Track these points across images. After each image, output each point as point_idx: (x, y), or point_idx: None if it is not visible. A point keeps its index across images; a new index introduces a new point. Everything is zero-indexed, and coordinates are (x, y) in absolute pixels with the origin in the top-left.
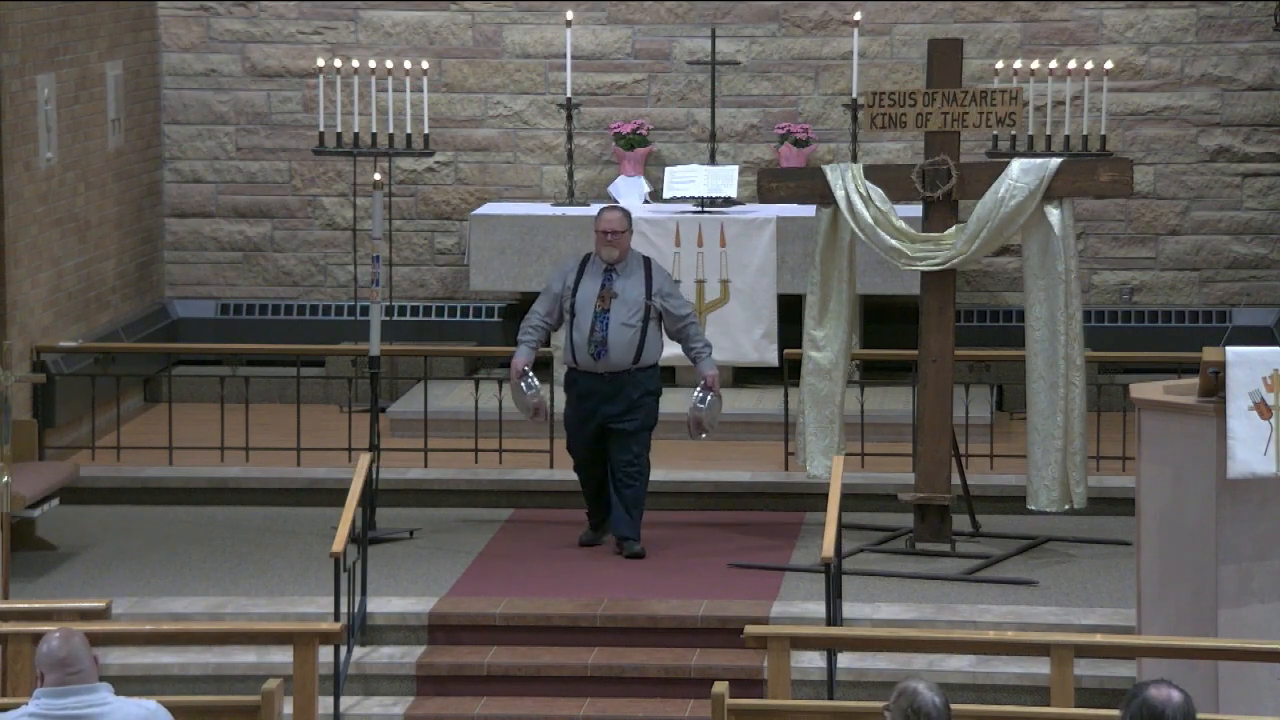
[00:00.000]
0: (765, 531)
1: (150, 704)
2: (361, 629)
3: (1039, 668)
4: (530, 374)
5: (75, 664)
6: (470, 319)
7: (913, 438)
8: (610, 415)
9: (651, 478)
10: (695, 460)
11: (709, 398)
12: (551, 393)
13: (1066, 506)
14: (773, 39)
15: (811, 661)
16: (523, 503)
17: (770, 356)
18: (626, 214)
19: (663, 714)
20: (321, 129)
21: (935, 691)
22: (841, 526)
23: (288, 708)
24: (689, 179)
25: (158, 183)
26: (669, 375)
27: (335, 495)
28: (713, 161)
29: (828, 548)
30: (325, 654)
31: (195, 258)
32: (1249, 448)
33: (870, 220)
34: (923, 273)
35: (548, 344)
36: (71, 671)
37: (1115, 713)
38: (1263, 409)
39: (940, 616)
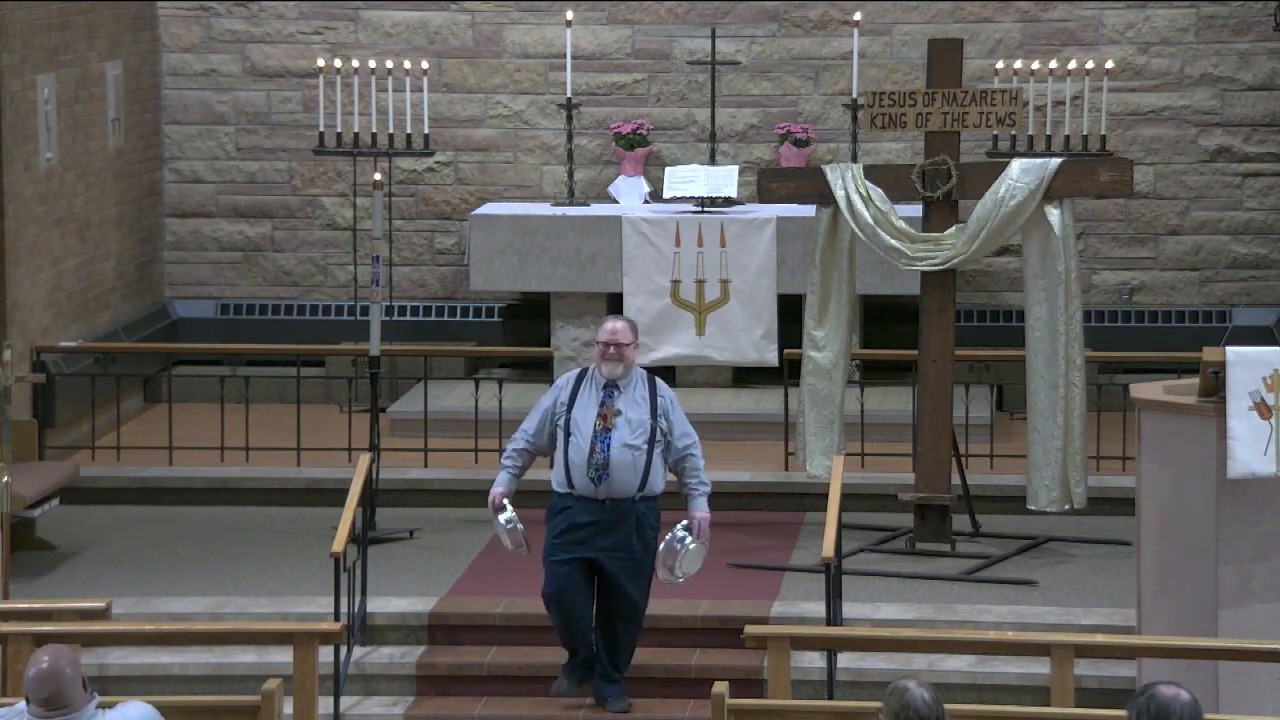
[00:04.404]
0: (765, 531)
1: (132, 709)
2: (361, 629)
3: (1039, 668)
4: (509, 506)
5: (56, 701)
6: (470, 319)
7: (913, 438)
8: (608, 549)
9: None
10: None
11: (691, 541)
12: None
13: (1066, 506)
14: (773, 39)
15: (811, 661)
16: (523, 503)
17: (770, 356)
18: (632, 324)
19: (663, 714)
20: (321, 129)
21: (926, 689)
22: (841, 526)
23: (288, 708)
24: (689, 179)
25: (158, 183)
26: (669, 374)
27: (335, 495)
28: (713, 161)
29: (828, 548)
30: (325, 654)
31: (195, 258)
32: (1249, 448)
33: (870, 220)
34: (923, 273)
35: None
36: (52, 708)
37: (1115, 713)
38: (1263, 409)
39: (940, 616)
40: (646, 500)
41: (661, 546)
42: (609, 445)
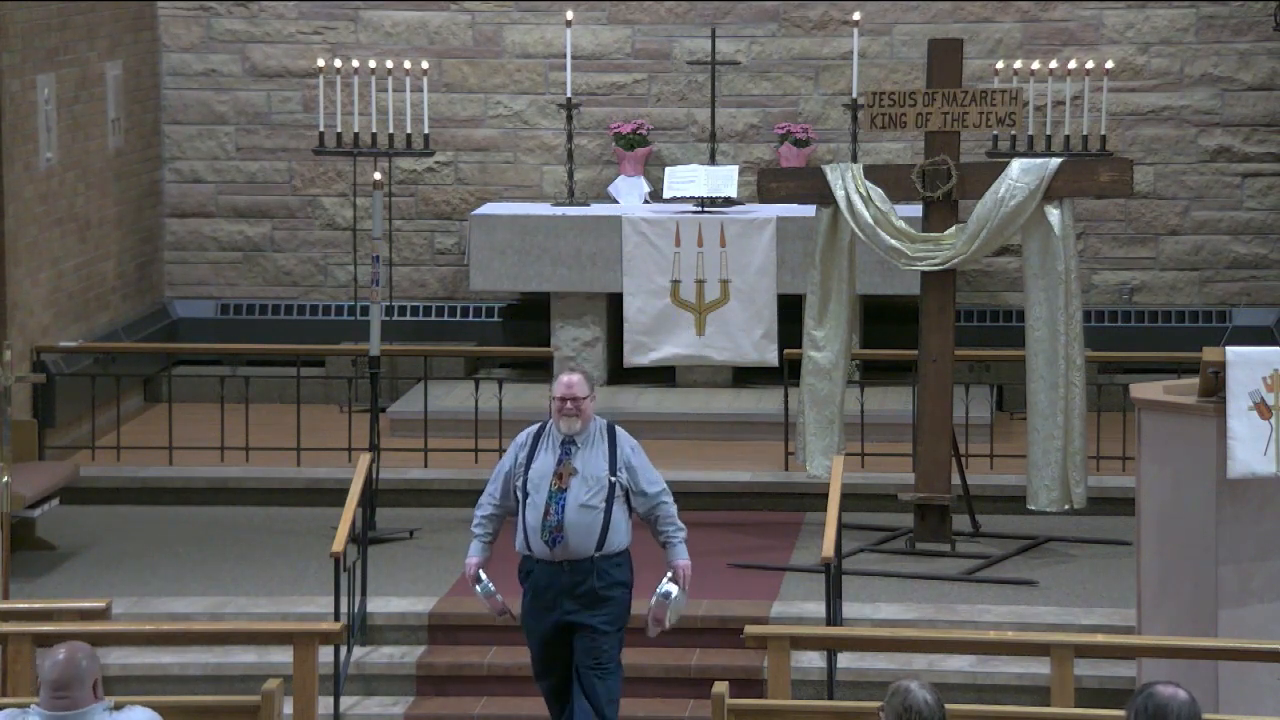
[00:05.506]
0: (765, 531)
1: (137, 715)
2: (361, 629)
3: (1039, 668)
4: (484, 576)
5: (66, 690)
6: (470, 319)
7: (913, 438)
8: (571, 611)
9: None
10: (695, 460)
11: (677, 592)
12: None
13: (1066, 506)
14: (773, 39)
15: (811, 661)
16: None
17: (770, 356)
18: (588, 377)
19: (663, 714)
20: (321, 129)
21: (927, 690)
22: (841, 526)
23: (288, 708)
24: (689, 179)
25: (158, 183)
26: (669, 374)
27: (335, 495)
28: (713, 161)
29: (828, 548)
30: (325, 654)
31: (195, 258)
32: (1249, 448)
33: (870, 220)
34: (923, 273)
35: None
36: (60, 697)
37: (1115, 713)
38: (1263, 409)
39: (940, 616)
40: (608, 558)
41: (652, 602)
42: (564, 507)
